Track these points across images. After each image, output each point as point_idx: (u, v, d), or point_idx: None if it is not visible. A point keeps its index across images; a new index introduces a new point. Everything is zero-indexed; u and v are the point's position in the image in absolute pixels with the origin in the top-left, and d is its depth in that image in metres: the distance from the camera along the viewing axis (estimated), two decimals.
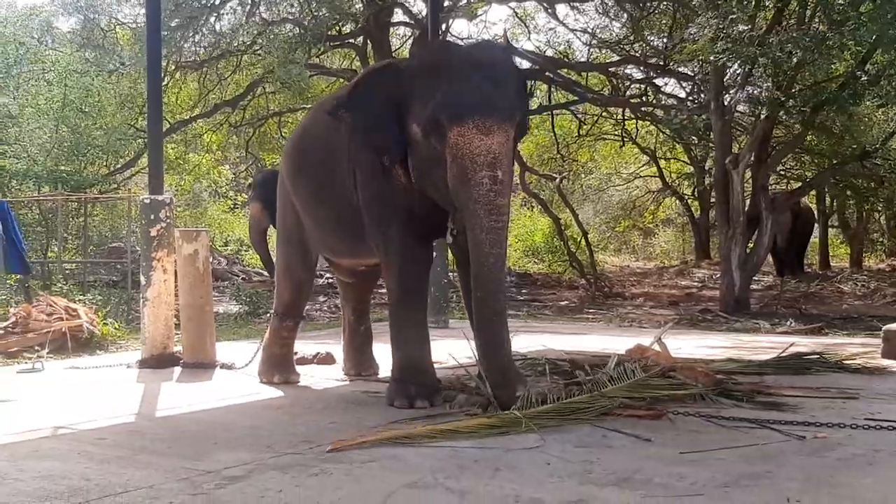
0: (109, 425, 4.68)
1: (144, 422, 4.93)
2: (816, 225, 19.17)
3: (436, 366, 5.24)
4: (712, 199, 16.45)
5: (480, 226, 4.43)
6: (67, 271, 12.80)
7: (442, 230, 5.00)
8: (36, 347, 7.77)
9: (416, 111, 4.70)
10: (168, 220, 7.20)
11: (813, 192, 17.98)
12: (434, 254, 5.23)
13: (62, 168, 13.98)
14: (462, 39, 16.45)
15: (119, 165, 17.05)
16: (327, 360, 6.96)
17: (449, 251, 7.18)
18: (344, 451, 3.88)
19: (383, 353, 5.69)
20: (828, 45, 10.09)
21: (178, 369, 6.92)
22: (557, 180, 18.41)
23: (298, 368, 6.35)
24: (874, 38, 9.64)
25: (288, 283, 6.24)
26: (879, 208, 20.73)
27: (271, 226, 14.60)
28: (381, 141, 4.88)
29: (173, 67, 15.29)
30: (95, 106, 14.92)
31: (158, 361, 7.02)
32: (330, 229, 5.75)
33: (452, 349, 5.75)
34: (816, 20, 11.12)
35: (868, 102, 12.05)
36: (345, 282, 6.43)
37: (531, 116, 19.55)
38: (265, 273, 15.21)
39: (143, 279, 7.22)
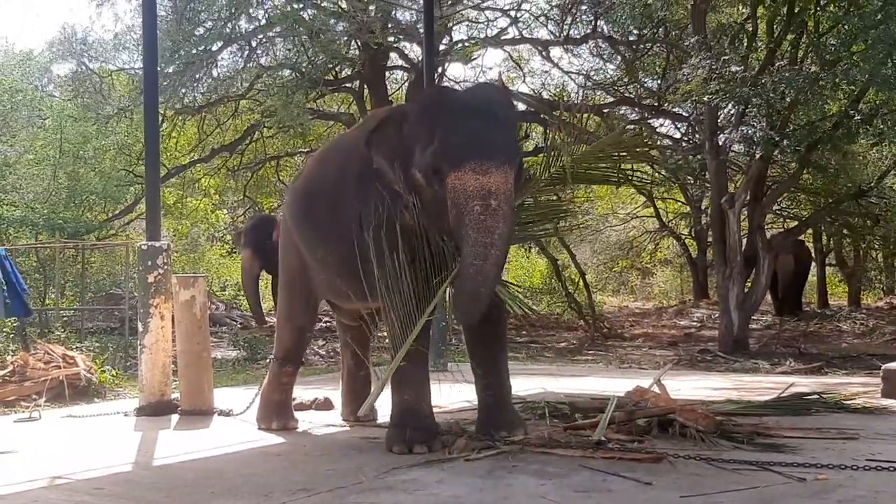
0: (106, 475, 4.65)
1: (141, 471, 4.90)
2: (813, 264, 19.17)
3: (435, 410, 5.22)
4: (709, 239, 16.47)
5: (469, 241, 4.45)
6: (65, 318, 12.76)
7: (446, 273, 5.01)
8: (33, 396, 7.72)
9: (417, 157, 4.74)
10: (165, 267, 7.20)
11: (809, 231, 18.01)
12: None
13: (59, 215, 14.00)
14: (458, 83, 16.56)
15: (117, 212, 17.09)
16: (325, 405, 6.91)
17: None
18: (342, 498, 3.85)
19: (382, 398, 5.66)
20: (821, 85, 10.17)
21: (175, 417, 6.88)
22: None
23: (297, 414, 6.31)
24: (866, 77, 9.71)
25: (289, 328, 6.23)
26: (876, 246, 20.74)
27: (264, 271, 14.65)
28: (394, 183, 4.92)
29: (171, 113, 15.39)
30: (92, 152, 14.96)
31: (156, 409, 6.97)
32: (338, 273, 5.74)
33: (451, 393, 5.72)
34: (809, 60, 11.22)
35: (862, 141, 12.12)
36: (348, 325, 6.40)
37: (528, 158, 19.75)
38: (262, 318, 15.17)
39: (140, 326, 7.20)
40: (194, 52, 13.16)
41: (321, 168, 5.99)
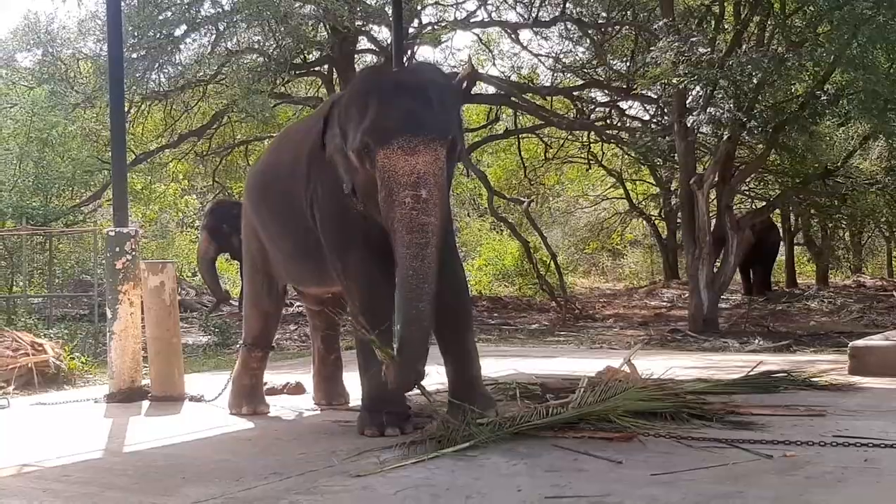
0: (76, 462, 4.62)
1: (111, 457, 4.87)
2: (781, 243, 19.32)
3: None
4: (679, 220, 16.56)
5: (402, 242, 4.44)
6: (33, 306, 12.64)
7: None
8: (2, 384, 7.66)
9: (351, 137, 4.74)
10: (133, 253, 7.14)
11: (778, 211, 18.14)
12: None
13: (27, 202, 13.84)
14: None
15: (85, 198, 16.92)
16: (297, 389, 6.90)
17: None
18: (313, 482, 3.85)
19: (354, 382, 5.66)
20: (787, 66, 10.21)
21: (146, 403, 6.85)
22: (525, 204, 18.44)
23: (268, 399, 6.30)
24: (832, 58, 9.78)
25: (255, 313, 6.23)
26: (843, 225, 20.95)
27: (227, 255, 14.65)
28: (341, 167, 4.91)
29: (138, 98, 15.24)
30: (60, 139, 14.82)
31: (126, 396, 6.93)
32: (294, 259, 5.74)
33: None
34: (775, 42, 11.26)
35: (828, 121, 12.20)
36: (313, 310, 6.40)
37: (498, 141, 19.79)
38: (233, 303, 15.11)
39: (109, 313, 7.14)
40: (159, 36, 13.02)
41: (277, 153, 6.04)
